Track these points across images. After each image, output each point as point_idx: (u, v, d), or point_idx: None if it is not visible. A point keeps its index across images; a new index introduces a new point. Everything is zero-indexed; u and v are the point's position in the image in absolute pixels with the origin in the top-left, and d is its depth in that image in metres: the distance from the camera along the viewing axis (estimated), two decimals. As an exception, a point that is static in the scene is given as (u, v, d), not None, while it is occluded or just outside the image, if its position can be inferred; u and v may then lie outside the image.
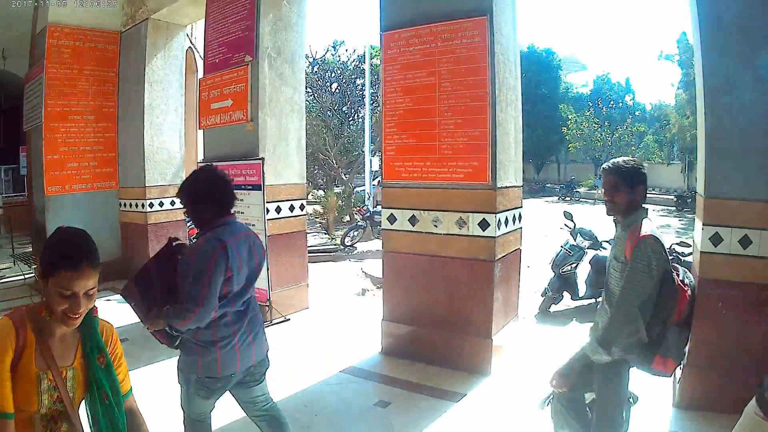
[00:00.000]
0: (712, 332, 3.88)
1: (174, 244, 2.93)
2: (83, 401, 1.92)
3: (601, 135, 37.17)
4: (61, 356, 1.85)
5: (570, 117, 38.59)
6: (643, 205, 2.85)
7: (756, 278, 3.75)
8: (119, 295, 3.34)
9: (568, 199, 32.05)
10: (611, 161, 2.94)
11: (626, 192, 2.82)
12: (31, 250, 11.12)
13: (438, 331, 5.10)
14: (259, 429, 3.17)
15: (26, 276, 10.15)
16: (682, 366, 3.92)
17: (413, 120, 5.18)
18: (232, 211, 2.99)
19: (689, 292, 2.78)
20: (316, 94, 22.60)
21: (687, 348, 3.35)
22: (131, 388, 2.06)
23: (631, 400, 2.91)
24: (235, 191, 3.04)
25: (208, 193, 2.89)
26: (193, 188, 2.93)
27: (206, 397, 2.87)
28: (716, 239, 3.84)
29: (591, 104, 40.33)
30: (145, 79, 8.95)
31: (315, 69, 22.95)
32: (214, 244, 2.73)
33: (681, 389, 4.09)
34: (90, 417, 1.89)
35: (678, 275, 2.81)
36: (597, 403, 2.84)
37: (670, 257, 2.84)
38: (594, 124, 37.52)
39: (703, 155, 3.98)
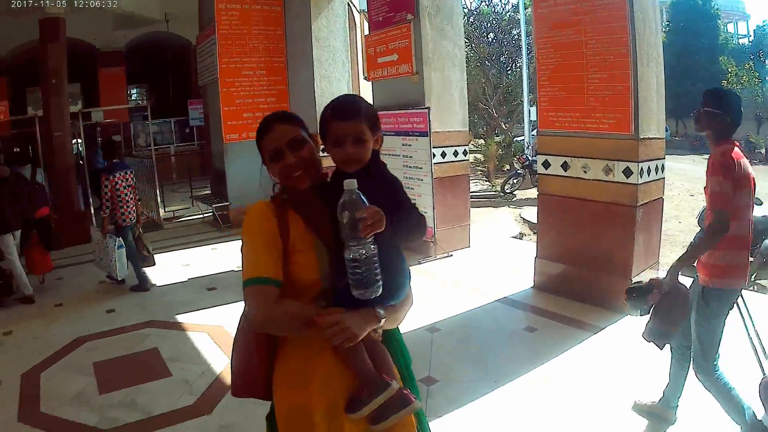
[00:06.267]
0: None
1: None
2: None
3: (762, 90, 35.24)
4: (326, 224, 1.93)
5: (730, 70, 36.55)
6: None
7: None
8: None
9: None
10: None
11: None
12: (209, 192, 13.14)
13: (583, 270, 6.09)
14: None
15: (204, 215, 12.24)
16: None
17: (563, 74, 6.07)
18: None
19: None
20: (473, 45, 23.44)
21: None
22: None
23: None
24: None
25: None
26: None
27: None
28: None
29: (752, 56, 37.74)
30: (312, 36, 10.22)
31: (471, 20, 23.83)
32: None
33: None
34: None
35: None
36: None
37: None
38: (755, 79, 35.54)
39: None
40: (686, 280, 3.47)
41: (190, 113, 20.62)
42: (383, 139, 2.05)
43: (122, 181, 7.49)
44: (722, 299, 3.43)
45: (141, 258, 7.78)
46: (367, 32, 8.92)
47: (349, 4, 10.89)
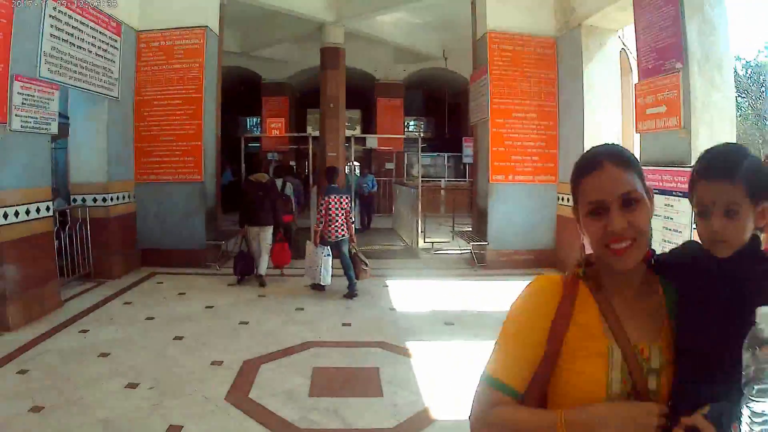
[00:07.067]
0: None
1: None
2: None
3: None
4: (636, 324, 1.50)
5: None
6: None
7: None
8: None
9: None
10: None
11: None
12: (470, 229, 13.60)
13: None
14: None
15: (462, 251, 12.87)
16: None
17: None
18: None
19: None
20: (751, 100, 21.85)
21: None
22: None
23: None
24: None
25: None
26: None
27: None
28: None
29: None
30: (583, 82, 10.42)
31: (748, 72, 22.18)
32: None
33: None
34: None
35: None
36: None
37: None
38: None
39: None
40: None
41: (464, 150, 21.65)
42: None
43: (335, 203, 9.06)
44: None
45: (360, 269, 9.25)
46: (637, 80, 8.82)
47: (624, 50, 10.87)
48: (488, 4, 11.31)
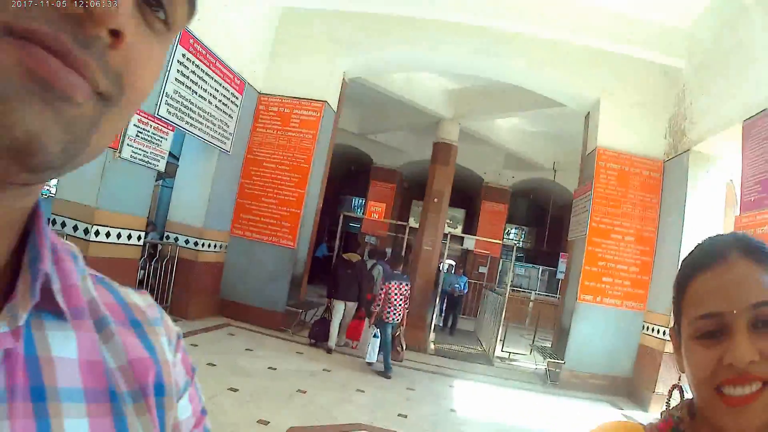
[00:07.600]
0: None
1: None
2: None
3: None
4: None
5: None
6: None
7: None
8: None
9: None
10: None
11: None
12: (549, 344, 13.38)
13: None
14: None
15: (537, 366, 12.63)
16: None
17: None
18: None
19: None
20: None
21: None
22: None
23: None
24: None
25: None
26: None
27: None
28: None
29: None
30: (685, 209, 10.18)
31: None
32: None
33: None
34: None
35: None
36: None
37: None
38: None
39: None
40: None
41: (560, 265, 21.38)
42: None
43: (396, 289, 9.76)
44: None
45: (395, 350, 10.04)
46: (738, 212, 8.48)
47: (732, 180, 10.54)
48: (601, 119, 11.36)
